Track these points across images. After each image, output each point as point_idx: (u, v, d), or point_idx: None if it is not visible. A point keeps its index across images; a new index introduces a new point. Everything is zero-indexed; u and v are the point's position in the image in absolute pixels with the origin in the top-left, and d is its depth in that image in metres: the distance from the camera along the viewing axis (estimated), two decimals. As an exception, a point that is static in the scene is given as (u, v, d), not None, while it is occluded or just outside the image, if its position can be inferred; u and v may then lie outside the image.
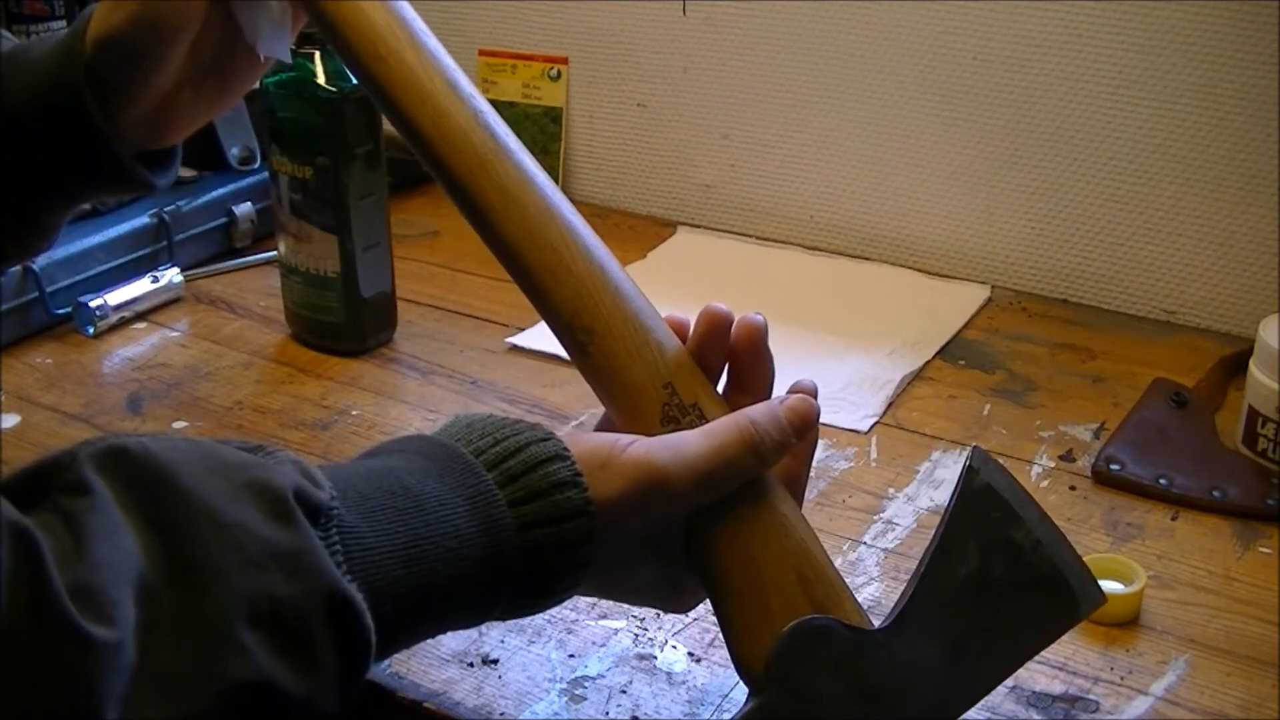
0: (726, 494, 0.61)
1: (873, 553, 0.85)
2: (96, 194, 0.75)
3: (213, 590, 0.48)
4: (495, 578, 0.57)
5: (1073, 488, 0.92)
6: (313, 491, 0.52)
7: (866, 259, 1.28)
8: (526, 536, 0.57)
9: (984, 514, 0.61)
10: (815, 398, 0.64)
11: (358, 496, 0.55)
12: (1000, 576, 0.61)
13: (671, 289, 1.23)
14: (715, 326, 0.65)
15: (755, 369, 0.66)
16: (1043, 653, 0.76)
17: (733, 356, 0.66)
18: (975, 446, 0.64)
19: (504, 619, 0.61)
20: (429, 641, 0.77)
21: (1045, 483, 0.93)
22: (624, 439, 0.61)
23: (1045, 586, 0.61)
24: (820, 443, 0.97)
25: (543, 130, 1.41)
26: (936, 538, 0.61)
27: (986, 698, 0.73)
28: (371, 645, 0.52)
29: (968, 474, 0.62)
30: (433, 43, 0.69)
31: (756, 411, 0.62)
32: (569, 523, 0.58)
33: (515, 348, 1.12)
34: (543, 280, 0.65)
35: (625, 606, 0.80)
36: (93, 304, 1.13)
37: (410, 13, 0.69)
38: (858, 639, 0.60)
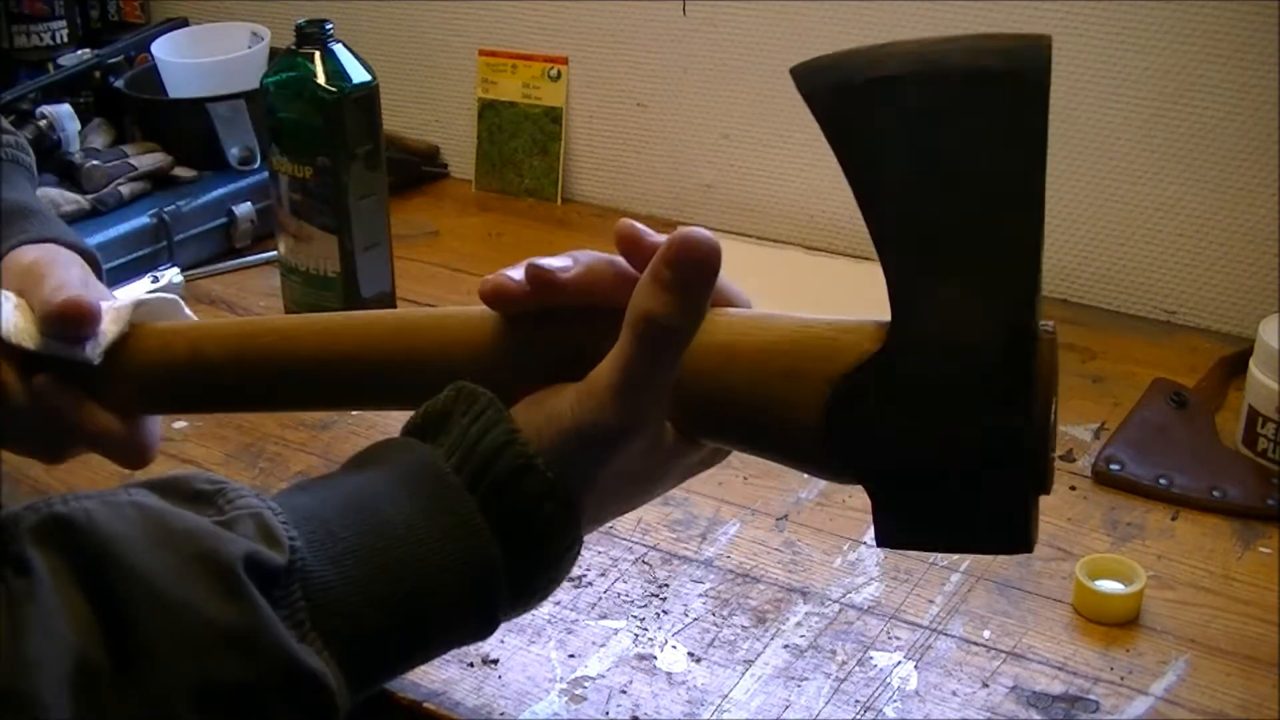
0: (674, 363, 0.58)
1: (873, 553, 0.85)
2: None
3: (156, 676, 0.45)
4: (486, 600, 0.56)
5: (1073, 488, 0.92)
6: (268, 557, 0.50)
7: (866, 259, 1.28)
8: (513, 551, 0.56)
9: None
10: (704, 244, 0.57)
11: (328, 537, 0.53)
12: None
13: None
14: (627, 246, 0.63)
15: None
16: (1043, 653, 0.76)
17: (637, 260, 0.62)
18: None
19: (520, 607, 0.60)
20: (429, 641, 0.77)
21: (1045, 483, 0.93)
22: (561, 408, 0.58)
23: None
24: (820, 443, 0.97)
25: (543, 130, 1.41)
26: None
27: (987, 698, 0.73)
28: (338, 710, 0.50)
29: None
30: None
31: (637, 293, 0.56)
32: (555, 527, 0.57)
33: (515, 348, 1.11)
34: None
35: (625, 606, 0.80)
36: (93, 304, 1.13)
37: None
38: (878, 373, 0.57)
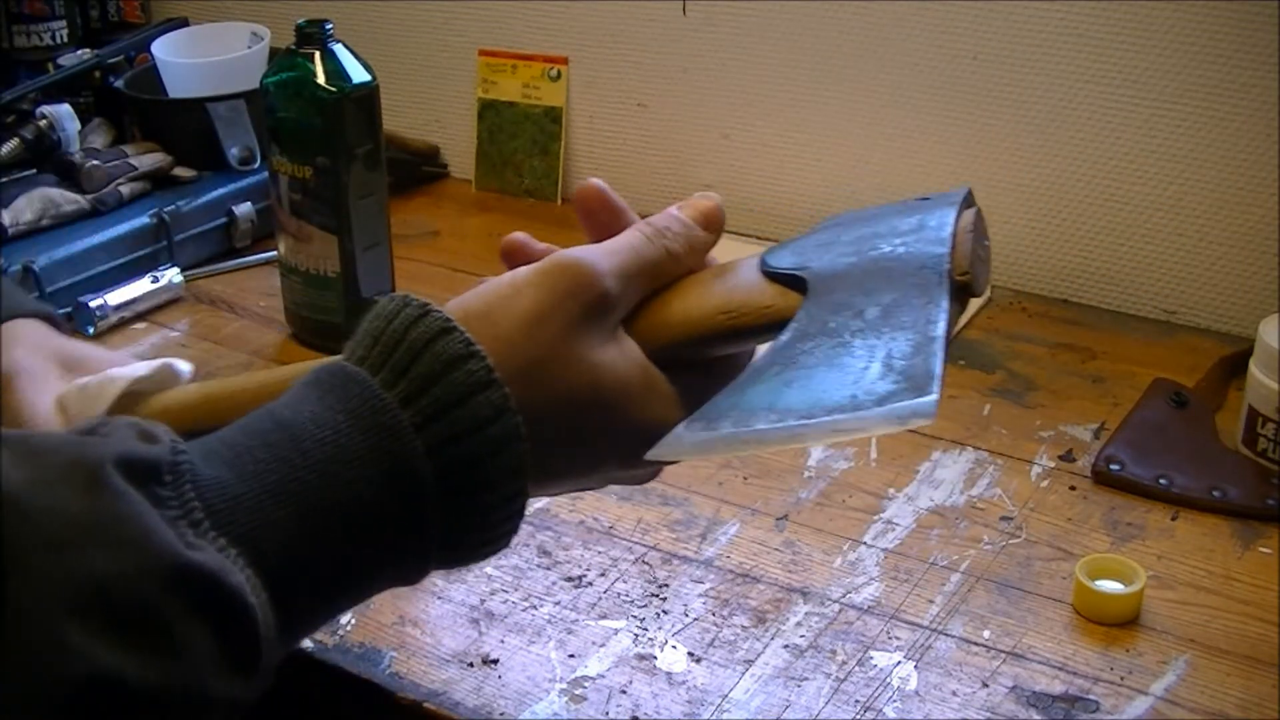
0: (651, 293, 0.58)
1: (873, 553, 0.85)
2: None
3: (26, 584, 0.41)
4: (410, 496, 0.49)
5: (1073, 488, 0.92)
6: (143, 451, 0.45)
7: (866, 259, 1.28)
8: (431, 434, 0.50)
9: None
10: (720, 209, 0.62)
11: (219, 444, 0.48)
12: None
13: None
14: (585, 204, 0.62)
15: (617, 222, 0.61)
16: (1043, 653, 0.76)
17: (594, 224, 0.62)
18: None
19: (451, 560, 0.53)
20: (429, 641, 0.77)
21: (1045, 483, 0.93)
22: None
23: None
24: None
25: (543, 130, 1.41)
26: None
27: (987, 698, 0.73)
28: (253, 611, 0.45)
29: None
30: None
31: (654, 217, 0.60)
32: (478, 397, 0.50)
33: (515, 348, 1.11)
34: None
35: (625, 606, 0.80)
36: (93, 304, 1.13)
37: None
38: None
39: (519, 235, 0.62)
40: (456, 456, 0.50)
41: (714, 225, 0.61)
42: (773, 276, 0.59)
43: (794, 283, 0.58)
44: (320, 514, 0.48)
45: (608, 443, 0.57)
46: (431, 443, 0.50)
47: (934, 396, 0.51)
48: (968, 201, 0.62)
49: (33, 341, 0.70)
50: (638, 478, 0.63)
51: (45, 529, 0.42)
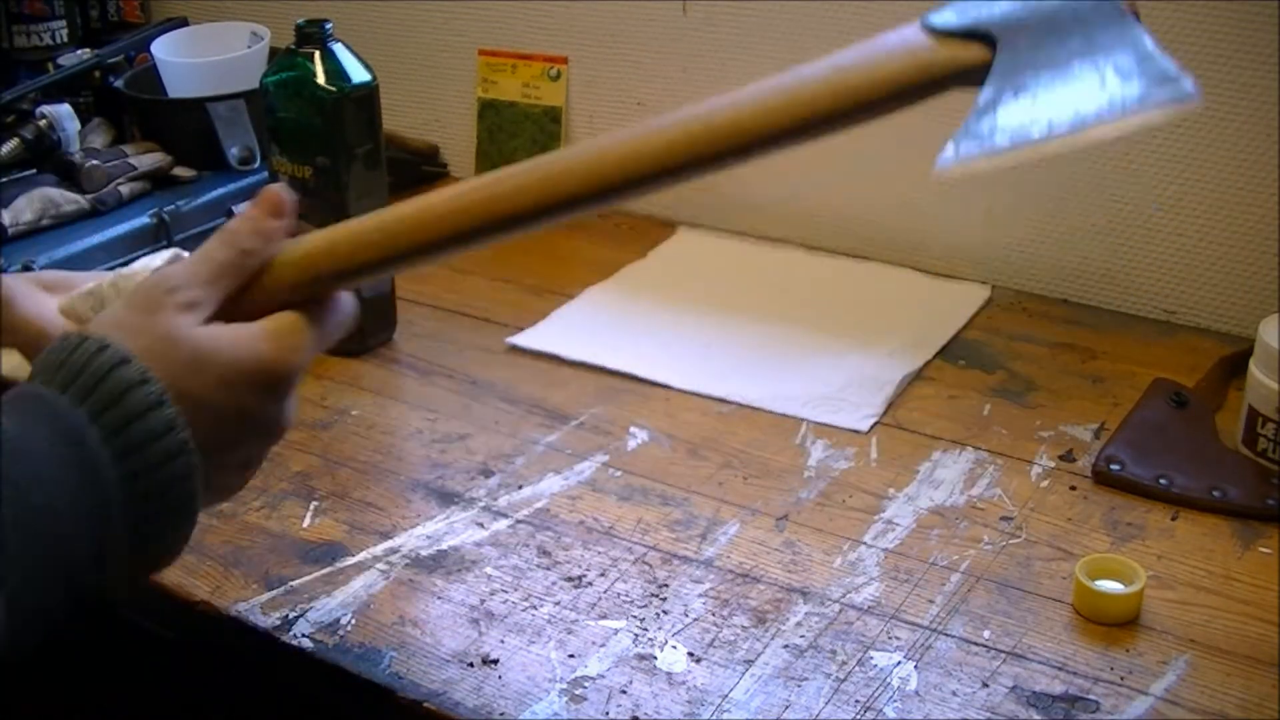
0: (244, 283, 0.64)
1: (873, 553, 0.85)
2: None
3: None
4: (99, 499, 0.56)
5: (1073, 488, 0.92)
6: None
7: (866, 259, 1.28)
8: (116, 444, 0.57)
9: None
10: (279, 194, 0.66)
11: None
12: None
13: (672, 289, 1.24)
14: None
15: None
16: (1043, 653, 0.76)
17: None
18: None
19: (136, 567, 0.59)
20: (429, 641, 0.77)
21: (1045, 483, 0.93)
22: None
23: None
24: (820, 443, 0.97)
25: (543, 130, 1.41)
26: None
27: (987, 698, 0.73)
28: None
29: None
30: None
31: (230, 220, 0.66)
32: (153, 413, 0.58)
33: (514, 348, 1.12)
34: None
35: (625, 606, 0.80)
36: (93, 304, 1.13)
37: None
38: None
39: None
40: (138, 465, 0.58)
41: (281, 211, 0.66)
42: (947, 33, 0.63)
43: (975, 37, 0.62)
44: (29, 516, 0.54)
45: (235, 409, 0.63)
46: (116, 451, 0.57)
47: (1189, 82, 0.56)
48: None
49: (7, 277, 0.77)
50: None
51: None
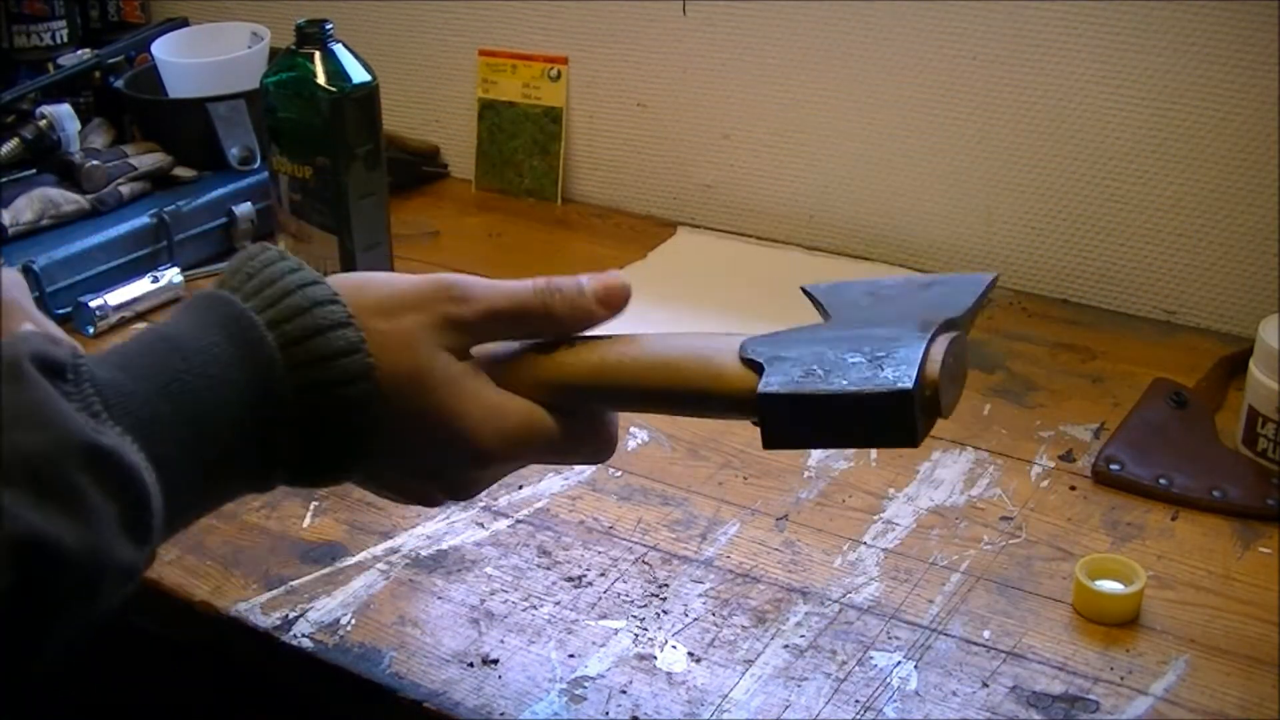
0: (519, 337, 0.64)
1: (873, 553, 0.85)
2: None
3: None
4: (268, 405, 0.57)
5: (1073, 488, 0.92)
6: (52, 350, 0.53)
7: (866, 259, 1.28)
8: (292, 356, 0.57)
9: None
10: (627, 291, 0.65)
11: (111, 353, 0.56)
12: None
13: (672, 289, 1.23)
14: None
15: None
16: (1043, 653, 0.76)
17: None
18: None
19: (295, 475, 0.60)
20: (429, 641, 0.77)
21: (1045, 483, 0.93)
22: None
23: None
24: (820, 443, 0.97)
25: (543, 130, 1.41)
26: None
27: (987, 698, 0.73)
28: (148, 487, 0.52)
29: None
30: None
31: (560, 277, 0.65)
32: (335, 333, 0.58)
33: (515, 348, 1.11)
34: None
35: (625, 606, 0.80)
36: (93, 304, 1.13)
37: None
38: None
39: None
40: (311, 378, 0.58)
41: (612, 303, 0.65)
42: (746, 361, 0.63)
43: (758, 368, 0.62)
44: (198, 409, 0.55)
45: (426, 439, 0.62)
46: (291, 363, 0.57)
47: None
48: (973, 309, 0.67)
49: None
50: (455, 491, 0.67)
51: None
